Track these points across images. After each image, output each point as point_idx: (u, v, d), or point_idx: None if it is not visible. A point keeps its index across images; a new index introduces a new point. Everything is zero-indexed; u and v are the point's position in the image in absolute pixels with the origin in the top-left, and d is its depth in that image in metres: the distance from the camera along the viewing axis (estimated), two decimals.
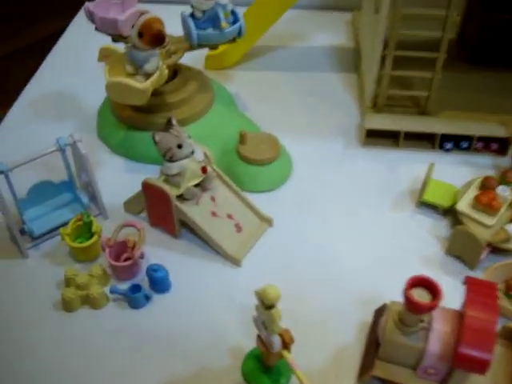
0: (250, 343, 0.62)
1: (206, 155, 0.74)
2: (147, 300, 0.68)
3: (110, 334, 0.66)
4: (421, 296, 0.54)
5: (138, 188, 0.74)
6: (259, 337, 0.59)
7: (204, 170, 0.73)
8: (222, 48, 0.99)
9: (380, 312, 0.66)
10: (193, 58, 0.92)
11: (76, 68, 1.08)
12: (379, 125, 0.89)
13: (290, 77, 1.05)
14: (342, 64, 1.09)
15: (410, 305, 0.54)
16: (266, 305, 0.53)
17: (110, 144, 0.89)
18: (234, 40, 0.86)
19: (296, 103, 0.99)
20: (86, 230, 0.74)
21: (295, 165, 0.86)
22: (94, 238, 0.72)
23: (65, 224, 0.75)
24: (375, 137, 0.90)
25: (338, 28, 1.18)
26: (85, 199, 0.77)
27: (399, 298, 0.55)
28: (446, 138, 0.88)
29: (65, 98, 1.01)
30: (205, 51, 1.04)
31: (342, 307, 0.69)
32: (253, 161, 0.81)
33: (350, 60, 1.10)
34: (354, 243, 0.76)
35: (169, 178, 0.72)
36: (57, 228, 0.75)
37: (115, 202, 0.80)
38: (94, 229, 0.72)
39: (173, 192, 0.71)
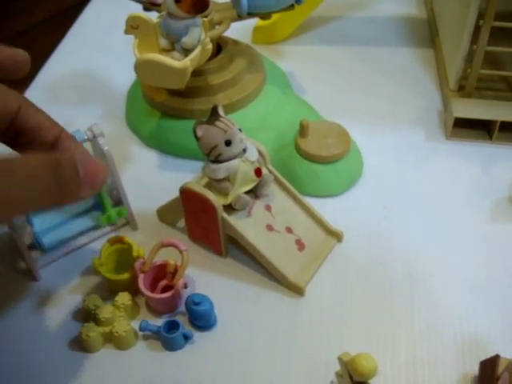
0: None
1: (260, 153, 0.59)
2: (186, 340, 0.53)
3: (137, 382, 0.52)
4: None
5: (175, 189, 0.59)
6: None
7: (258, 172, 0.57)
8: (274, 18, 0.82)
9: (489, 366, 0.50)
10: (237, 31, 0.75)
11: (101, 43, 0.93)
12: (470, 113, 0.72)
13: (352, 53, 0.89)
14: (414, 37, 0.92)
15: None
16: (355, 380, 0.38)
17: (141, 134, 0.74)
18: (292, 7, 0.70)
19: (362, 85, 0.83)
20: (122, 254, 0.58)
21: (365, 162, 0.70)
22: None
23: (81, 234, 0.61)
24: (462, 127, 0.74)
25: None
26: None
27: None
28: None
29: (88, 79, 0.86)
30: (252, 22, 0.89)
31: (435, 354, 0.53)
32: (317, 158, 0.65)
33: (423, 33, 0.93)
34: (446, 266, 0.59)
35: (213, 183, 0.57)
36: (70, 239, 0.61)
37: (146, 207, 0.65)
38: (135, 253, 0.57)
39: (220, 201, 0.56)
